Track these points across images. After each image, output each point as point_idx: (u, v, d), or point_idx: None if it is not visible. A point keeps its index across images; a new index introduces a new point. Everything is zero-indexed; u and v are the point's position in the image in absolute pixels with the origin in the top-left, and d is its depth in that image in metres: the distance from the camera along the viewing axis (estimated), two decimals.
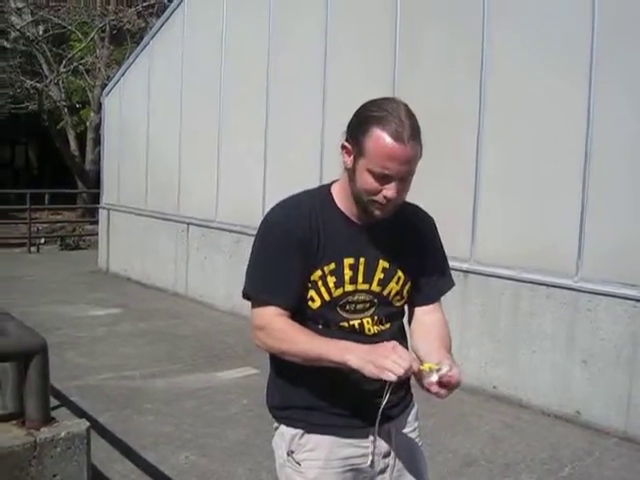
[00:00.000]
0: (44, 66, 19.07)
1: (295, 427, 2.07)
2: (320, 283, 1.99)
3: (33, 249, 14.56)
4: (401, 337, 2.14)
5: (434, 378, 1.79)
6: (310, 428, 2.05)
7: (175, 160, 10.00)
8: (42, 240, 15.25)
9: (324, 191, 2.08)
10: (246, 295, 2.04)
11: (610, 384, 5.21)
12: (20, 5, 18.06)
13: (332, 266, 1.99)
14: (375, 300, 2.05)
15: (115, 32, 19.04)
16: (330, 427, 2.04)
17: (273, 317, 1.96)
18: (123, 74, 11.54)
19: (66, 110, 20.03)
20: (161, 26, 10.45)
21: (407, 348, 2.09)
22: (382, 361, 1.74)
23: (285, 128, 8.12)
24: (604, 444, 5.02)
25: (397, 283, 2.08)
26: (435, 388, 1.80)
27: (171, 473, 4.29)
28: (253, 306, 2.02)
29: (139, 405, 5.46)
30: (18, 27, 18.03)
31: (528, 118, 5.72)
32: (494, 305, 5.95)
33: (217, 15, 9.10)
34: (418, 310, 2.18)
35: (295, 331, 1.94)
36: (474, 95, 6.00)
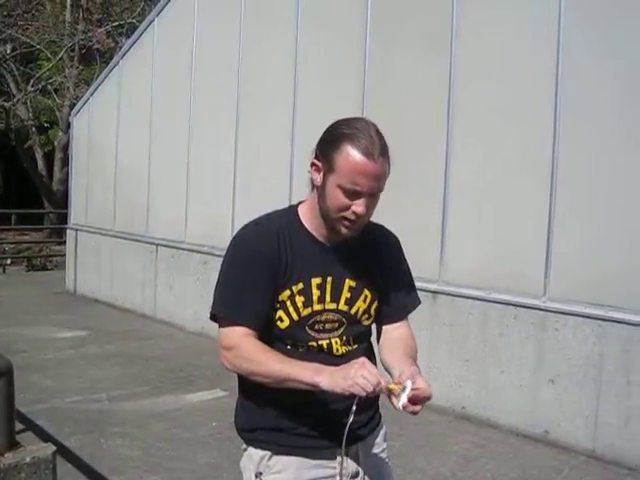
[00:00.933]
0: (12, 85, 18.94)
1: (263, 449, 2.06)
2: (289, 303, 1.99)
3: None
4: (370, 357, 2.14)
5: (404, 400, 1.79)
6: (278, 449, 2.04)
7: (144, 180, 9.95)
8: (8, 261, 15.06)
9: (292, 211, 2.10)
10: (214, 316, 2.04)
11: (577, 403, 5.25)
12: None
13: (300, 286, 1.99)
14: (343, 319, 2.06)
15: (84, 52, 18.97)
16: (297, 448, 2.03)
17: (241, 338, 1.95)
18: (92, 94, 11.50)
19: (34, 129, 19.90)
20: (131, 46, 10.45)
21: (375, 361, 2.11)
22: (352, 375, 1.76)
23: (255, 148, 8.13)
24: (572, 463, 5.05)
25: (364, 302, 2.09)
26: (410, 408, 1.80)
27: None
28: (221, 326, 2.01)
29: (107, 428, 5.39)
30: None
31: (497, 137, 5.79)
32: (463, 325, 5.99)
33: (187, 33, 9.12)
34: (385, 327, 2.19)
35: (264, 352, 1.93)
36: (442, 113, 6.06)
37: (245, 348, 1.95)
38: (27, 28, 18.14)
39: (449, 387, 5.99)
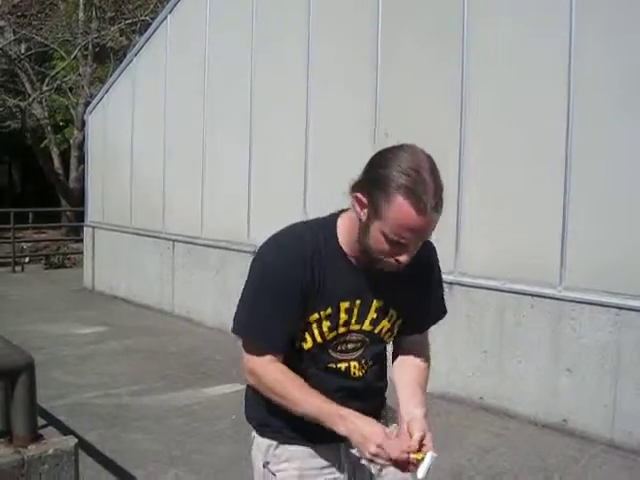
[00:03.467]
0: (27, 84, 19.05)
1: (270, 438, 2.08)
2: (315, 326, 1.96)
3: (17, 268, 14.48)
4: (381, 376, 2.16)
5: (422, 473, 1.75)
6: (284, 439, 2.06)
7: (160, 177, 10.00)
8: (26, 259, 15.18)
9: (330, 226, 1.98)
10: (237, 333, 1.99)
11: (595, 392, 5.25)
12: (2, 24, 18.04)
13: (329, 310, 1.95)
14: (367, 339, 2.03)
15: (98, 50, 19.05)
16: (304, 438, 2.04)
17: (267, 365, 1.94)
18: (106, 92, 11.55)
19: (49, 128, 20.02)
20: (144, 44, 10.48)
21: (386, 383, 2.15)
22: (365, 447, 1.77)
23: (269, 144, 8.15)
24: (591, 452, 5.05)
25: (389, 321, 2.05)
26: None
27: None
28: (245, 348, 1.98)
29: (127, 423, 5.45)
30: (0, 46, 18.01)
31: (512, 127, 5.78)
32: (479, 316, 5.99)
33: (200, 34, 9.15)
34: (403, 338, 2.17)
35: (288, 382, 1.92)
36: (456, 104, 6.06)
37: (270, 377, 1.94)
38: (41, 28, 18.22)
39: (467, 378, 6.00)
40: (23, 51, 19.07)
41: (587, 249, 5.29)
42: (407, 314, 2.08)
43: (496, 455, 4.96)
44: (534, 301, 5.61)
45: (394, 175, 1.75)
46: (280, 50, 7.99)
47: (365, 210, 1.82)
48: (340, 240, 1.95)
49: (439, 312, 2.25)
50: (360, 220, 1.85)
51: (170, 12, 9.81)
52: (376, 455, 1.76)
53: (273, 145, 8.10)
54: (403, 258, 1.83)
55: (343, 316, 1.96)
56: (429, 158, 1.81)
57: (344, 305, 1.96)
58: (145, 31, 11.90)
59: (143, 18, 17.83)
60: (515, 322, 5.75)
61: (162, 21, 9.99)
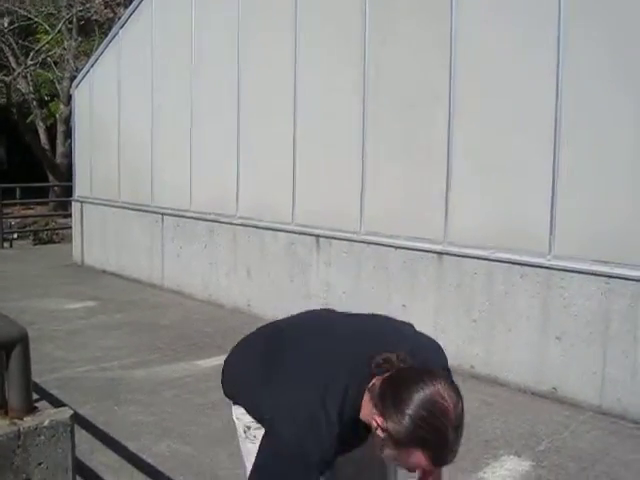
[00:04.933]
0: (11, 59, 18.83)
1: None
2: None
3: (6, 244, 14.41)
4: None
5: None
6: None
7: (147, 150, 9.95)
8: (15, 235, 15.11)
9: (356, 400, 1.91)
10: None
11: (584, 360, 5.31)
12: None
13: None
14: None
15: (83, 23, 18.81)
16: None
17: None
18: (92, 65, 11.43)
19: (35, 103, 19.81)
20: (129, 16, 10.37)
21: None
22: None
23: (257, 114, 8.12)
24: (579, 418, 5.13)
25: None
26: None
27: (154, 461, 4.31)
28: None
29: (119, 396, 5.47)
30: None
31: (498, 96, 5.78)
32: (469, 285, 6.02)
33: (186, 6, 9.05)
34: None
35: None
36: (444, 75, 6.05)
37: None
38: (24, 1, 17.98)
39: (458, 347, 6.05)
40: (6, 25, 18.82)
41: (576, 218, 5.32)
42: None
43: (487, 422, 5.02)
44: (523, 270, 5.65)
45: (418, 426, 1.71)
46: (268, 20, 7.92)
47: (384, 435, 1.79)
48: (363, 411, 1.90)
49: None
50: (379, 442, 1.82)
51: None
52: None
53: (262, 114, 8.06)
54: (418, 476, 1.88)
55: None
56: (457, 400, 1.75)
57: None
58: (130, 3, 11.76)
59: None
60: (504, 291, 5.79)
61: None
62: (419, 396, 1.72)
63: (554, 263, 5.45)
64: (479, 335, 5.98)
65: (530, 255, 5.58)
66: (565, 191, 5.36)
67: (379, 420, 1.78)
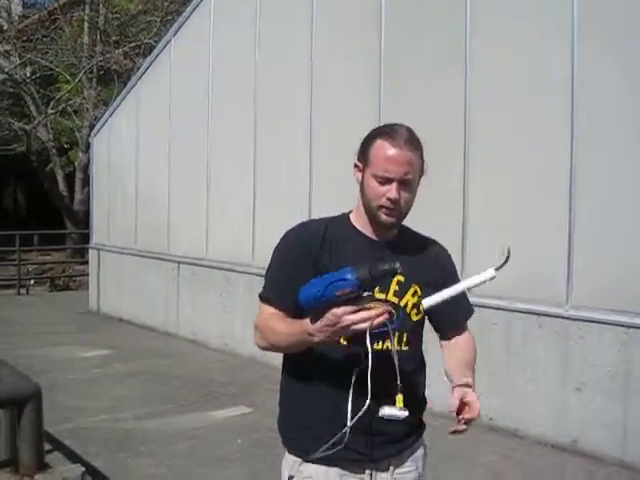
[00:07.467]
0: (32, 107, 19.13)
1: (296, 455, 2.13)
2: None
3: (22, 291, 14.49)
4: (422, 365, 2.28)
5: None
6: (307, 458, 2.08)
7: (164, 199, 10.01)
8: (32, 281, 15.18)
9: (343, 215, 2.24)
10: (259, 297, 2.17)
11: (605, 411, 5.20)
12: (8, 48, 18.17)
13: None
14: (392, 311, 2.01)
15: (102, 73, 19.14)
16: (324, 459, 2.03)
17: (270, 315, 2.08)
18: (111, 114, 11.60)
19: (54, 151, 20.06)
20: (148, 67, 10.54)
21: (424, 375, 2.30)
22: (337, 315, 1.81)
23: (273, 165, 8.16)
24: (602, 472, 5.00)
25: (413, 296, 2.14)
26: (458, 427, 2.02)
27: None
28: (259, 310, 2.14)
29: (133, 447, 5.41)
30: (6, 69, 18.11)
31: (515, 147, 5.78)
32: (487, 336, 5.95)
33: (203, 56, 9.19)
34: (445, 333, 2.33)
35: (278, 320, 2.05)
36: (459, 123, 6.07)
37: (268, 321, 2.08)
38: (46, 52, 18.34)
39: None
40: (28, 75, 19.16)
41: (594, 268, 5.26)
42: (426, 295, 2.15)
43: (506, 478, 4.91)
44: (541, 320, 5.58)
45: (376, 130, 2.12)
46: (284, 70, 8.02)
47: (361, 172, 2.11)
48: (353, 220, 2.19)
49: (469, 306, 2.41)
50: (360, 185, 2.12)
51: (174, 35, 9.88)
52: (353, 322, 1.80)
53: (278, 165, 8.11)
54: (392, 194, 2.03)
55: None
56: (410, 128, 2.10)
57: None
58: (149, 54, 11.98)
59: (147, 41, 17.93)
60: (522, 342, 5.71)
61: (166, 44, 10.06)
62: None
63: (572, 313, 5.38)
64: (497, 387, 5.86)
65: (548, 305, 5.52)
66: (581, 242, 5.31)
67: (355, 162, 2.14)
